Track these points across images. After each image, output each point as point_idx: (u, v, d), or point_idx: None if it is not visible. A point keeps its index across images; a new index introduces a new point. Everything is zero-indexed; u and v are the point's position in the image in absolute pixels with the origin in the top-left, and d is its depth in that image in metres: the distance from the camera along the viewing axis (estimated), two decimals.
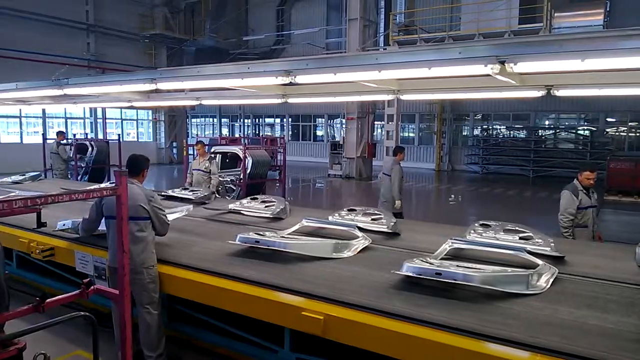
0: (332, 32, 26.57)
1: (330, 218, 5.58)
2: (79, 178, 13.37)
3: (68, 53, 21.15)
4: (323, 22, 27.20)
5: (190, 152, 13.09)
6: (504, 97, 7.98)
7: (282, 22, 29.27)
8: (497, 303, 3.26)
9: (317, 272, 3.99)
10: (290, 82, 5.15)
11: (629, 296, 3.46)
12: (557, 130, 23.96)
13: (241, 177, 11.07)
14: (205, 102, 9.84)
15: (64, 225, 5.04)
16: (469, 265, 3.74)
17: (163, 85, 6.63)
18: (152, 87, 6.57)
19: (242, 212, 6.39)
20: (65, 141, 13.47)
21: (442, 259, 4.08)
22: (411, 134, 27.59)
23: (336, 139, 26.07)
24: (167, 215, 4.40)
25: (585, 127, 23.25)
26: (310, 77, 5.15)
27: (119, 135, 17.70)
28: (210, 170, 9.10)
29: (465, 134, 26.18)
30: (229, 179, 11.43)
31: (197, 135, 32.98)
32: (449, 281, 3.36)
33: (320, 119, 30.52)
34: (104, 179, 13.46)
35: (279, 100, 7.98)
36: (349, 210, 5.90)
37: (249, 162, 11.25)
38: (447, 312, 3.11)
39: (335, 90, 7.20)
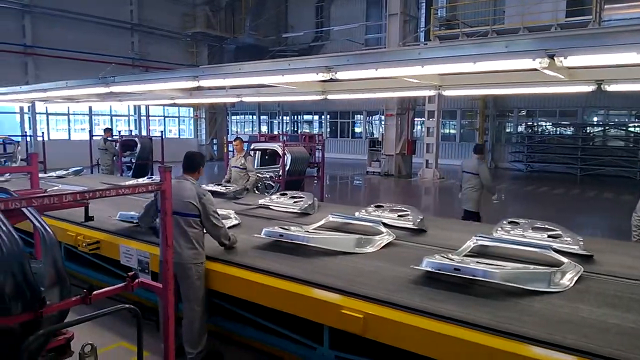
0: (372, 28, 26.39)
1: (356, 214, 5.60)
2: (123, 173, 13.81)
3: (113, 52, 21.96)
4: (363, 18, 27.06)
5: (230, 148, 13.26)
6: (551, 93, 7.70)
7: (322, 19, 29.26)
8: (517, 300, 3.23)
9: (340, 266, 4.04)
10: (331, 78, 5.14)
11: None
12: (607, 127, 22.98)
13: (280, 173, 11.12)
14: (245, 99, 9.96)
15: (131, 217, 5.25)
16: (491, 262, 3.71)
17: (205, 83, 6.75)
18: (194, 84, 6.70)
19: (271, 207, 6.51)
20: (110, 138, 13.91)
21: (465, 255, 4.04)
22: (452, 131, 27.09)
23: (375, 136, 25.84)
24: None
25: (637, 124, 22.19)
26: (351, 72, 5.12)
27: (161, 132, 18.16)
28: (246, 167, 9.07)
29: (509, 130, 25.48)
30: (268, 176, 11.51)
31: (236, 132, 33.46)
32: (470, 277, 3.35)
33: (358, 116, 30.39)
34: (147, 174, 13.82)
35: (319, 97, 7.98)
36: (376, 206, 5.91)
37: (288, 158, 11.30)
38: (465, 307, 3.11)
39: (375, 86, 7.15)
